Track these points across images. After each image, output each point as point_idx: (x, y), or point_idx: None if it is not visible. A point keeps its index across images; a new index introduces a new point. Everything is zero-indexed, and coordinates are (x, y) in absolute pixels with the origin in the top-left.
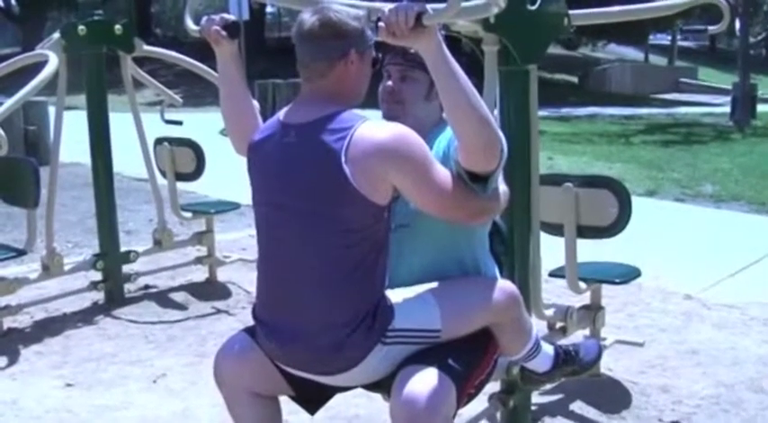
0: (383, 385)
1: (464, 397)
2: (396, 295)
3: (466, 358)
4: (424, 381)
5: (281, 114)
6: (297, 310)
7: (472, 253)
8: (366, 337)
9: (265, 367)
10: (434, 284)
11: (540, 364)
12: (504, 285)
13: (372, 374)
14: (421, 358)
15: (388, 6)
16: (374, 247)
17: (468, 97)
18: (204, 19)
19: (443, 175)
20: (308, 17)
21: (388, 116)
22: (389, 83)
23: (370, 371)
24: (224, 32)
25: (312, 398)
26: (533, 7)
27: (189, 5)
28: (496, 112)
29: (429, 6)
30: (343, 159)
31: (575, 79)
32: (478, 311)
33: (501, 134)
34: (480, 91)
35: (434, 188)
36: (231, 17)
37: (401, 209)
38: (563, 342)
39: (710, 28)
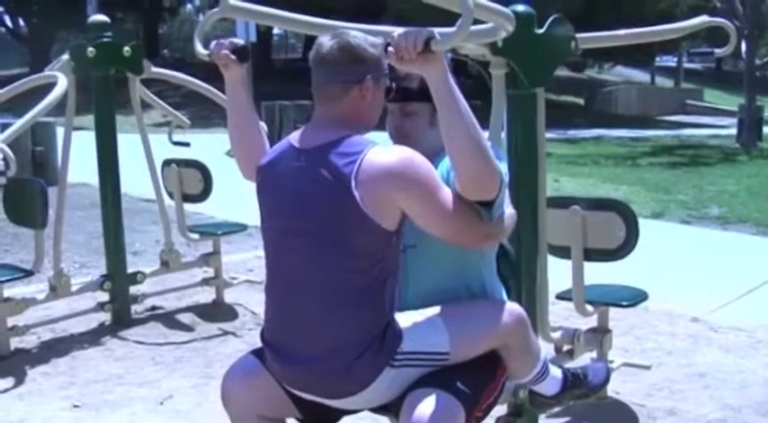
0: (391, 408)
1: (472, 420)
2: (404, 319)
3: (474, 381)
4: (433, 404)
5: (291, 138)
6: (305, 333)
7: (479, 274)
8: (374, 361)
9: (273, 390)
10: (443, 307)
11: (549, 387)
12: (512, 308)
13: (381, 398)
14: (429, 381)
15: (398, 31)
16: (383, 271)
17: (467, 128)
18: (213, 43)
19: (451, 199)
20: (326, 41)
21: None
22: (394, 122)
23: (379, 394)
24: (233, 56)
25: (320, 421)
26: (541, 31)
27: (198, 29)
28: (504, 134)
29: (437, 32)
30: (353, 184)
31: (581, 101)
32: (486, 334)
33: (499, 166)
34: (488, 113)
35: (441, 212)
36: (240, 41)
37: (408, 229)
38: (571, 365)
39: (717, 50)
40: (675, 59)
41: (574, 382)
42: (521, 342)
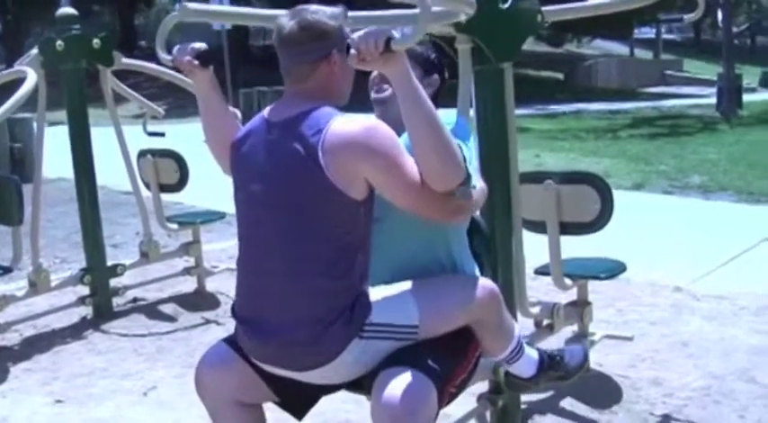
0: (365, 386)
1: (446, 397)
2: (375, 292)
3: (446, 358)
4: (404, 382)
5: (264, 112)
6: (275, 303)
7: (447, 249)
8: (343, 332)
9: (246, 375)
10: (414, 282)
11: (525, 368)
12: (485, 283)
13: (351, 371)
14: (400, 359)
15: (357, 33)
16: (353, 242)
17: (428, 124)
18: (175, 49)
19: (416, 171)
20: (286, 21)
21: (377, 99)
22: None
23: (349, 366)
24: (196, 62)
25: (297, 402)
26: (505, 5)
27: (159, 34)
28: (472, 111)
29: (396, 31)
30: (320, 154)
31: (560, 76)
32: (457, 309)
33: (461, 159)
34: None
35: (406, 183)
36: (203, 46)
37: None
38: (550, 343)
39: (686, 16)
40: (654, 31)
41: (550, 363)
42: (493, 318)
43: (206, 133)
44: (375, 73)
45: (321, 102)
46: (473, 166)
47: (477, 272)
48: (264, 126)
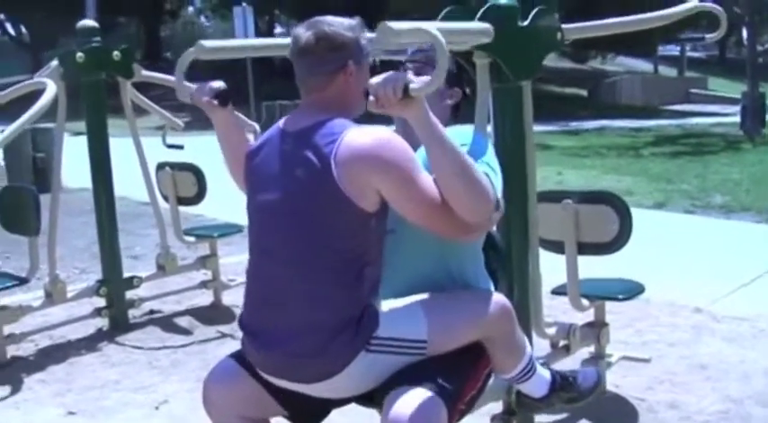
0: (376, 400)
1: (455, 415)
2: (385, 305)
3: (456, 375)
4: (414, 401)
5: (281, 122)
6: (282, 313)
7: (460, 264)
8: (350, 344)
9: (254, 390)
10: (425, 296)
11: (536, 388)
12: (497, 298)
13: (358, 385)
14: (410, 377)
15: (375, 79)
16: (363, 254)
17: (453, 164)
18: (195, 88)
19: (430, 185)
20: (302, 32)
21: None
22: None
23: (355, 380)
24: (215, 102)
25: (306, 415)
26: (525, 23)
27: (177, 71)
28: (490, 127)
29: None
30: (332, 164)
31: (584, 92)
32: (468, 325)
33: (491, 191)
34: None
35: (419, 197)
36: (221, 85)
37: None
38: (566, 364)
39: (708, 36)
40: (678, 48)
41: (562, 384)
42: (505, 334)
43: (226, 160)
44: None
45: (336, 112)
46: (497, 188)
47: (492, 288)
48: (279, 136)
